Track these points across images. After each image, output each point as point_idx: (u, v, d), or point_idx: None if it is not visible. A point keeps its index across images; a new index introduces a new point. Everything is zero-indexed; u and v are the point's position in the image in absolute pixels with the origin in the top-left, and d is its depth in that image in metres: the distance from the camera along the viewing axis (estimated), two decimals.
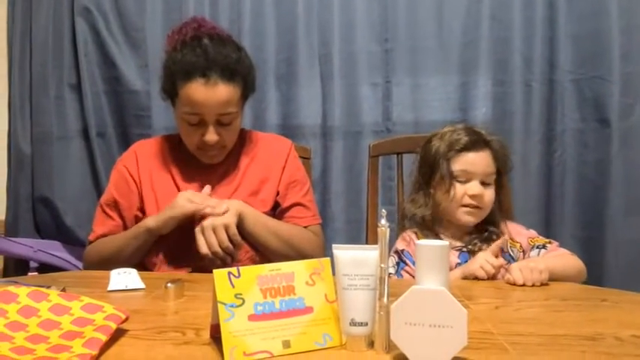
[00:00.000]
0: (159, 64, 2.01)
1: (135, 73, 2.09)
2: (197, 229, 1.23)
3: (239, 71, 1.31)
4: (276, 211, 1.41)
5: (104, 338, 0.67)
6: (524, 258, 1.31)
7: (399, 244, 1.36)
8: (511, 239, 1.34)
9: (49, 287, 0.89)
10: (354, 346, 0.71)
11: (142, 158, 1.41)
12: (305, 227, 1.40)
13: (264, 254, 1.34)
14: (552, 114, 1.86)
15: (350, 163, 1.96)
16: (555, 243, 1.33)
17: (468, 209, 1.30)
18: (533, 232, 1.37)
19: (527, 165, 1.87)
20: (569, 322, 0.87)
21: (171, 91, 1.33)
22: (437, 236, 1.32)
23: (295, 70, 1.98)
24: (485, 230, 1.33)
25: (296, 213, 1.41)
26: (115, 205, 1.37)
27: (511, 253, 1.32)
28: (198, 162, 1.40)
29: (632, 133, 1.78)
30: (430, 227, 1.34)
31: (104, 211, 1.38)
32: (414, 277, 1.33)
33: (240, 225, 1.28)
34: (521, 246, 1.33)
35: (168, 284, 0.95)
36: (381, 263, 0.71)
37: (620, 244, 1.80)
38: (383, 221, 0.71)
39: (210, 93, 1.26)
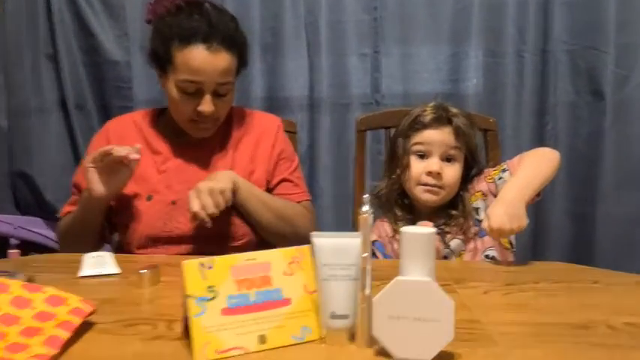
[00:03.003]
0: (139, 33, 1.96)
1: (114, 43, 2.01)
2: (191, 192, 1.17)
3: (237, 41, 1.26)
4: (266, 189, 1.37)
5: (65, 336, 0.63)
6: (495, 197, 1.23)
7: (371, 234, 1.33)
8: (475, 194, 1.28)
9: (13, 276, 0.84)
10: (335, 339, 0.67)
11: (115, 138, 1.34)
12: (299, 202, 1.37)
13: (261, 235, 1.31)
14: (545, 86, 1.82)
15: (338, 137, 1.91)
16: (509, 161, 1.26)
17: (426, 187, 1.24)
18: (485, 171, 1.30)
19: (518, 138, 1.83)
20: (560, 308, 0.83)
21: (164, 58, 1.24)
22: (407, 221, 1.28)
23: (281, 41, 1.91)
24: (450, 214, 1.27)
25: (285, 189, 1.37)
26: (81, 187, 1.31)
27: (476, 216, 1.26)
28: (180, 139, 1.34)
29: (626, 105, 1.74)
30: (394, 210, 1.30)
31: (73, 191, 1.34)
32: None
33: (233, 196, 1.23)
34: (482, 193, 1.27)
35: (142, 270, 0.91)
36: (363, 252, 0.67)
37: (612, 219, 1.78)
38: (365, 207, 0.67)
39: (212, 60, 1.20)
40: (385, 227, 1.32)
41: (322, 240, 0.69)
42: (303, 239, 1.32)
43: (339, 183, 1.90)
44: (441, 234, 1.24)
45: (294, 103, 1.92)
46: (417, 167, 1.24)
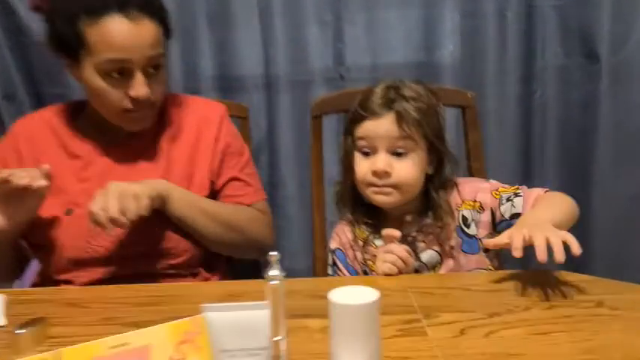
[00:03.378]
0: None
1: (41, 22, 1.75)
2: (99, 190, 0.97)
3: (157, 6, 1.05)
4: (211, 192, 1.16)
5: None
6: (491, 218, 1.05)
7: (332, 241, 1.13)
8: (469, 202, 1.07)
9: None
10: None
11: (25, 142, 1.13)
12: (248, 206, 1.17)
13: (205, 246, 1.12)
14: (531, 49, 1.58)
15: (299, 119, 1.67)
16: (524, 188, 1.06)
17: (375, 188, 1.03)
18: (494, 183, 1.09)
19: (503, 110, 1.61)
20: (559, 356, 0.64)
21: (72, 41, 1.01)
22: (369, 227, 1.09)
23: (229, 10, 1.66)
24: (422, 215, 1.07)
25: (234, 190, 1.18)
26: None
27: (463, 227, 1.06)
28: (104, 138, 1.12)
29: (625, 68, 1.52)
30: (353, 212, 1.10)
31: None
32: None
33: (166, 208, 1.05)
34: (481, 205, 1.05)
35: (19, 330, 0.70)
36: (274, 333, 0.46)
37: (608, 197, 1.59)
38: (273, 272, 0.46)
39: (136, 30, 1.00)
40: (346, 231, 1.12)
41: (217, 315, 0.48)
42: (260, 246, 1.10)
43: (302, 170, 1.67)
44: (412, 242, 1.04)
45: (249, 82, 1.68)
46: (362, 166, 1.03)
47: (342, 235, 1.12)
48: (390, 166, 1.00)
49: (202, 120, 1.17)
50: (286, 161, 1.69)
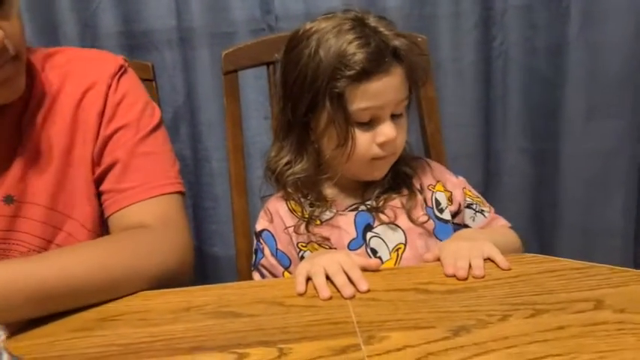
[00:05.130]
0: None
1: None
2: None
3: None
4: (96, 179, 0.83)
5: None
6: (456, 215, 0.88)
7: (259, 222, 0.88)
8: (441, 185, 0.88)
9: None
10: None
11: None
12: (136, 203, 0.79)
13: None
14: None
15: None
16: (492, 210, 0.91)
17: (378, 162, 0.81)
18: (462, 180, 0.91)
19: (459, 60, 1.39)
20: None
21: None
22: (320, 195, 0.85)
23: None
24: (391, 173, 0.86)
25: (119, 183, 0.81)
26: None
27: (435, 211, 0.86)
28: None
29: (597, 6, 1.31)
30: (311, 186, 0.85)
31: None
32: (274, 275, 0.78)
33: None
34: (451, 197, 0.88)
35: None
36: None
37: (579, 156, 1.41)
38: None
39: None
40: (280, 209, 0.87)
41: None
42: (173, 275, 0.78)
43: None
44: (373, 215, 0.84)
45: (160, 37, 1.40)
46: (364, 141, 0.79)
47: (274, 214, 0.87)
48: (395, 132, 0.79)
49: (87, 79, 0.84)
50: (208, 131, 1.43)
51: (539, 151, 1.44)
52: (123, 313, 0.66)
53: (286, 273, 0.85)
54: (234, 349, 0.56)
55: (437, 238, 0.84)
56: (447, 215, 0.86)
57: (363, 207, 0.85)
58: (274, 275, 0.86)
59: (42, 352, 0.59)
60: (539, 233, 1.49)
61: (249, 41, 1.06)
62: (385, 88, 0.76)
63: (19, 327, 0.63)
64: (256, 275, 0.88)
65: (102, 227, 0.84)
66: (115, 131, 0.82)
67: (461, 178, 0.91)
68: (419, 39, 1.06)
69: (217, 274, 1.47)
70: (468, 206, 0.89)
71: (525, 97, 1.41)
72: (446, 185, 0.88)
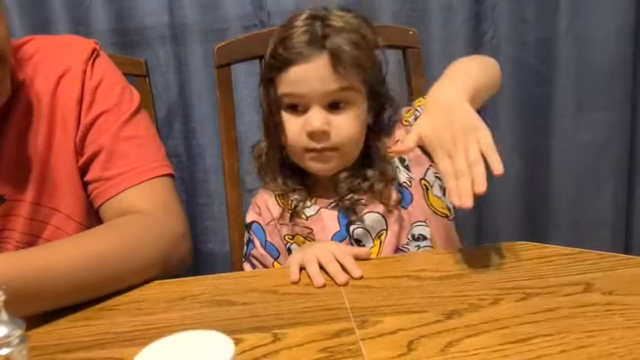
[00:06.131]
0: None
1: None
2: None
3: None
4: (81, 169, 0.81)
5: None
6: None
7: (249, 215, 0.89)
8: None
9: None
10: None
11: None
12: (128, 189, 0.77)
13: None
14: None
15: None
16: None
17: (313, 154, 0.81)
18: (402, 110, 0.88)
19: (450, 54, 1.39)
20: None
21: None
22: (298, 193, 0.86)
23: None
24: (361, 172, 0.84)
25: (105, 171, 0.78)
26: None
27: (404, 182, 0.85)
28: None
29: (586, 0, 1.32)
30: (279, 180, 0.87)
31: None
32: (264, 265, 0.79)
33: None
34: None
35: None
36: None
37: (570, 148, 1.42)
38: None
39: None
40: (268, 202, 0.88)
41: None
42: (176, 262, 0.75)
43: None
44: (350, 206, 0.83)
45: (152, 33, 1.40)
46: (293, 127, 0.80)
47: (262, 207, 0.88)
48: (328, 124, 0.78)
49: (61, 66, 0.81)
50: (202, 128, 1.43)
51: (529, 143, 1.45)
52: (120, 303, 0.67)
53: (276, 264, 0.87)
54: (228, 335, 0.57)
55: (403, 208, 0.84)
56: (403, 177, 0.85)
57: (342, 204, 0.84)
58: (264, 266, 0.87)
59: (40, 341, 0.59)
60: (531, 226, 1.49)
61: (242, 35, 1.06)
62: (305, 76, 0.77)
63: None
64: (247, 266, 0.89)
65: (90, 218, 0.82)
66: (96, 118, 0.80)
67: (401, 112, 0.88)
68: (410, 32, 1.08)
69: (212, 270, 1.47)
70: (412, 122, 0.83)
71: (516, 90, 1.41)
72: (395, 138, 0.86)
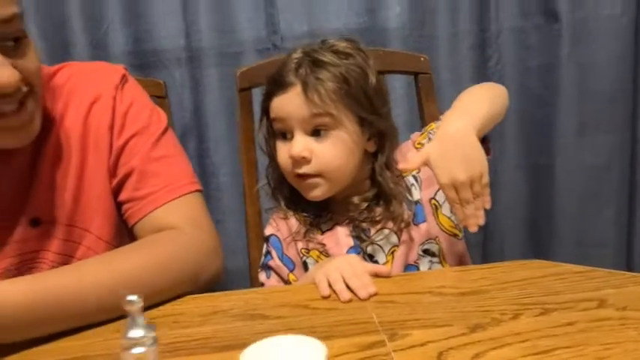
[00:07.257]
0: None
1: None
2: None
3: None
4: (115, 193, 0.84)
5: None
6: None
7: (267, 228, 0.95)
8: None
9: None
10: None
11: None
12: (161, 207, 0.80)
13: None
14: (485, 9, 1.43)
15: (230, 97, 1.46)
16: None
17: (302, 181, 0.86)
18: (414, 135, 0.95)
19: (456, 80, 1.45)
20: None
21: None
22: (310, 212, 0.91)
23: None
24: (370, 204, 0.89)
25: (138, 191, 0.81)
26: None
27: (409, 197, 0.90)
28: None
29: (588, 26, 1.39)
30: (297, 203, 0.92)
31: None
32: (281, 277, 0.85)
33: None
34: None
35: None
36: None
37: (573, 170, 1.47)
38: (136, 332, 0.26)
39: None
40: (285, 219, 0.93)
41: None
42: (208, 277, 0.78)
43: (236, 156, 1.46)
44: (363, 228, 0.88)
45: (169, 56, 1.45)
46: (282, 152, 0.86)
47: (280, 223, 0.93)
48: (309, 150, 0.83)
49: (91, 94, 0.83)
50: (216, 147, 1.48)
51: (533, 165, 1.50)
52: (156, 316, 0.70)
53: (291, 275, 0.91)
54: None
55: (415, 225, 0.89)
56: (416, 196, 0.90)
57: (356, 222, 0.89)
58: (280, 276, 0.92)
59: (84, 352, 0.62)
60: (536, 245, 1.54)
61: (262, 61, 1.11)
62: (283, 104, 0.84)
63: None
64: (262, 275, 0.94)
65: (120, 238, 0.85)
66: (127, 140, 0.83)
67: (412, 136, 0.94)
68: (421, 59, 1.13)
69: (227, 286, 1.50)
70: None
71: (520, 114, 1.47)
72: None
